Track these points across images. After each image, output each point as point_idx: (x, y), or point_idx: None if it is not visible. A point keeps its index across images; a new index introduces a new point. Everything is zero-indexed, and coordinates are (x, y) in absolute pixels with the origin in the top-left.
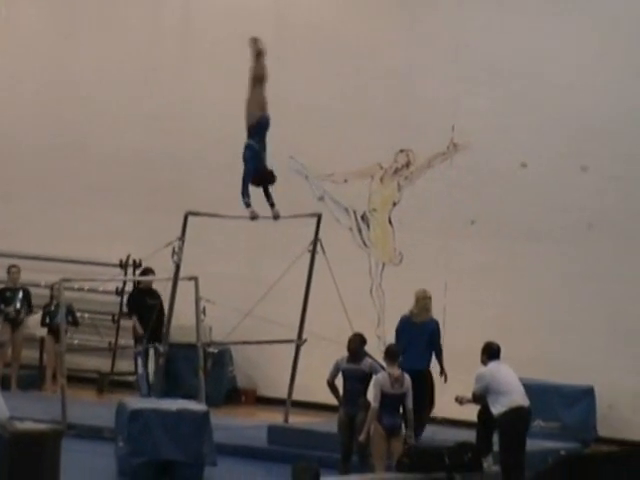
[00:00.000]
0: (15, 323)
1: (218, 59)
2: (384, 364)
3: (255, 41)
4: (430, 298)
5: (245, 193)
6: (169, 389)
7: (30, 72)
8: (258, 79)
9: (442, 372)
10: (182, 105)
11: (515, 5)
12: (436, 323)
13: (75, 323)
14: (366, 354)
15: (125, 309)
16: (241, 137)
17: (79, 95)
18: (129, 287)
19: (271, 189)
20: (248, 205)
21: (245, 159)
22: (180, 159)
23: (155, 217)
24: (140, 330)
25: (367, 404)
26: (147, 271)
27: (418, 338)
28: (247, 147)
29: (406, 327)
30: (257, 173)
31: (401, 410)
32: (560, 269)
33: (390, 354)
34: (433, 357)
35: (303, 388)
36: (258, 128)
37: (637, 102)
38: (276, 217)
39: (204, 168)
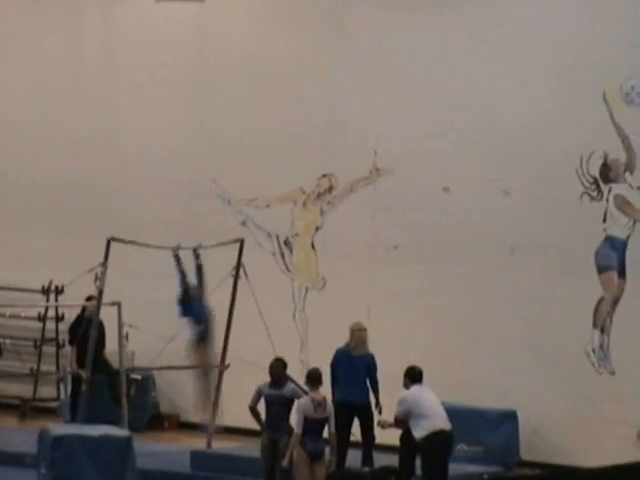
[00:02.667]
0: None
1: (140, 86)
2: (306, 389)
3: None
4: (366, 330)
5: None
6: (92, 415)
7: None
8: None
9: (377, 404)
10: (105, 131)
11: (438, 31)
12: (373, 357)
13: None
14: (289, 379)
15: (67, 338)
16: (162, 163)
17: (0, 120)
18: (51, 313)
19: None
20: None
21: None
22: (103, 184)
23: (78, 242)
24: (74, 366)
25: (290, 429)
26: (91, 299)
27: (356, 371)
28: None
29: (343, 360)
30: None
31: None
32: (483, 293)
33: (312, 378)
34: None
35: (227, 413)
36: None
37: (559, 127)
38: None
39: (126, 193)
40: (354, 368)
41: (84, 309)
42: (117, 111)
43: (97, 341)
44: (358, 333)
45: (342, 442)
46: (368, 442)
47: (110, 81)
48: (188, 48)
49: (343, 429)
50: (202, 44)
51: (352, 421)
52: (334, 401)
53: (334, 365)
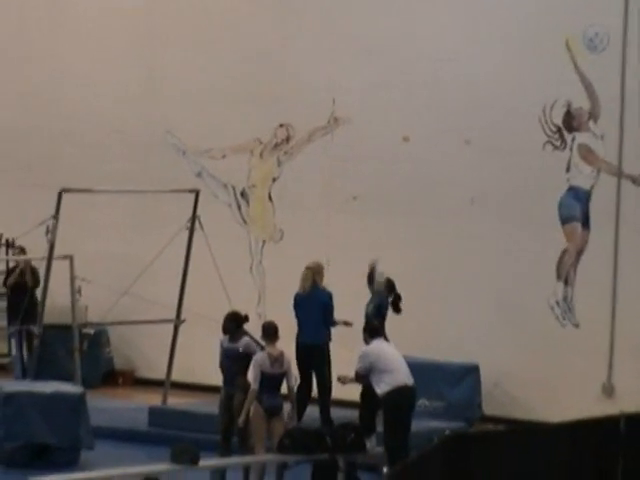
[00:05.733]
0: None
1: (90, 35)
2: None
3: None
4: (311, 269)
5: None
6: (44, 371)
7: None
8: None
9: (346, 323)
10: (55, 81)
11: None
12: (327, 295)
13: None
14: (245, 333)
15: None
16: (115, 113)
17: None
18: (2, 266)
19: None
20: None
21: None
22: (53, 135)
23: (29, 195)
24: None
25: (244, 384)
26: (21, 251)
27: (309, 310)
28: None
29: (297, 301)
30: None
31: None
32: (444, 244)
33: (267, 332)
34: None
35: (182, 369)
36: None
37: (522, 74)
38: None
39: (78, 144)
40: (306, 308)
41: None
42: (67, 60)
43: (30, 293)
44: (304, 272)
45: (301, 389)
46: (320, 391)
47: (59, 30)
48: None
49: (301, 375)
50: None
51: (308, 363)
52: None
53: (294, 308)
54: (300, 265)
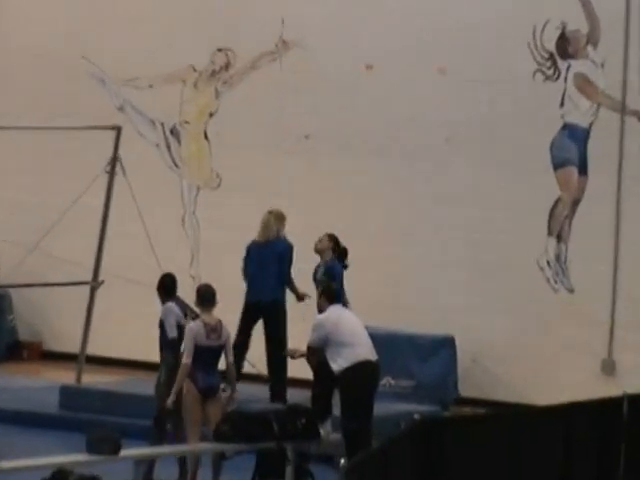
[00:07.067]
0: None
1: None
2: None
3: None
4: (273, 214)
5: None
6: None
7: None
8: None
9: (298, 297)
10: None
11: None
12: (286, 247)
13: None
14: (176, 298)
15: None
16: (24, 34)
17: None
18: None
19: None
20: None
21: None
22: None
23: None
24: None
25: (167, 359)
26: None
27: (264, 262)
28: None
29: (251, 251)
30: None
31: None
32: (412, 190)
33: (203, 298)
34: None
35: (99, 340)
36: None
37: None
38: None
39: None
40: (263, 260)
41: None
42: None
43: None
44: (263, 217)
45: (238, 346)
46: (274, 362)
47: None
48: None
49: (241, 332)
50: None
51: (253, 323)
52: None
53: (245, 260)
54: (241, 216)
